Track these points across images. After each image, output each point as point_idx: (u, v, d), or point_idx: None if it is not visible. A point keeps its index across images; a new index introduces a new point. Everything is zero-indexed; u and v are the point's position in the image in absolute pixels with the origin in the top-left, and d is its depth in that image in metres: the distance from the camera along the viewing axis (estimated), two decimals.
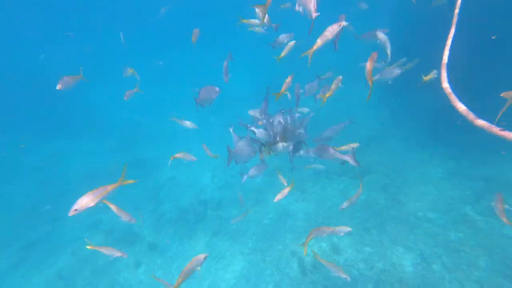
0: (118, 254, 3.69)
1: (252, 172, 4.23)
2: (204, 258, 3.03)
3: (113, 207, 3.90)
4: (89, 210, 10.44)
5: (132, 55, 24.49)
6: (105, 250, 3.74)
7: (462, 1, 1.83)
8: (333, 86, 4.45)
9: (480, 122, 1.25)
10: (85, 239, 5.69)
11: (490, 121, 1.27)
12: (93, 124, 16.11)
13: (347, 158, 3.68)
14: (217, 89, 4.30)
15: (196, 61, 22.17)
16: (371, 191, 8.64)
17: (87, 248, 4.09)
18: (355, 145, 5.46)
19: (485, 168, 8.14)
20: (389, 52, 4.88)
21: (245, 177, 4.18)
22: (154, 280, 6.82)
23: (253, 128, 4.34)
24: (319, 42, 3.20)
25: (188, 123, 6.54)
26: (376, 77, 5.47)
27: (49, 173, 12.68)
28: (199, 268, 2.98)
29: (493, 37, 6.79)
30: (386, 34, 4.90)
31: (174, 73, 22.18)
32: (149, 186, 10.82)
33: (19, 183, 12.04)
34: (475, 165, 8.44)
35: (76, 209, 2.81)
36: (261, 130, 4.26)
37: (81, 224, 9.27)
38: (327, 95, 4.42)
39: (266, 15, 4.19)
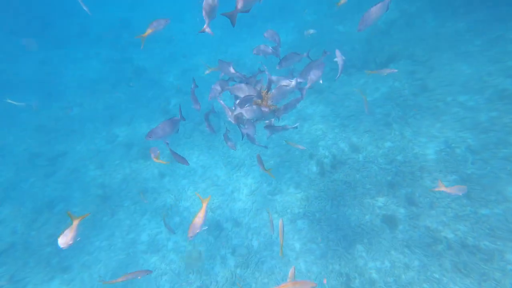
0: (142, 274, 3.32)
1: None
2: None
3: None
4: (102, 125, 10.12)
5: None
6: (130, 276, 3.36)
7: None
8: None
9: None
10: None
11: None
12: (81, 30, 14.42)
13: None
14: None
15: None
16: (394, 82, 7.58)
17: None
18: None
19: None
20: None
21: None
22: (180, 188, 7.20)
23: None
24: None
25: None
26: None
27: (49, 84, 12.28)
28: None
29: None
30: None
31: None
32: (157, 97, 10.29)
33: (23, 98, 11.91)
34: None
35: None
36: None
37: (100, 139, 9.36)
38: None
39: None
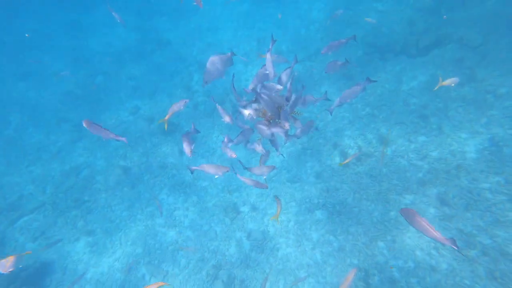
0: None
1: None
2: None
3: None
4: (126, 96, 10.04)
5: None
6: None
7: None
8: None
9: None
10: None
11: None
12: None
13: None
14: None
15: None
16: (437, 69, 6.79)
17: None
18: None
19: None
20: None
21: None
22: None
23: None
24: None
25: None
26: None
27: (76, 50, 12.42)
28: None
29: None
30: None
31: None
32: (180, 72, 10.08)
33: (52, 59, 12.09)
34: None
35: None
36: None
37: (123, 110, 9.39)
38: None
39: None
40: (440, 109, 6.17)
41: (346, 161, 4.66)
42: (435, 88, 4.81)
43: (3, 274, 5.67)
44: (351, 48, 8.39)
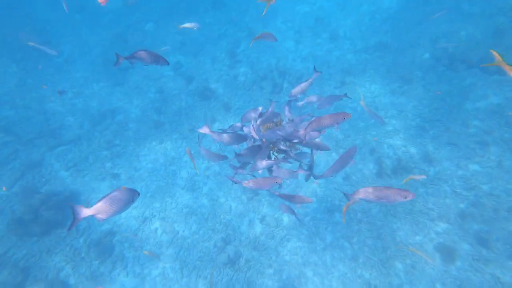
0: None
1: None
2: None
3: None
4: (172, 52, 9.67)
5: None
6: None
7: None
8: None
9: None
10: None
11: None
12: None
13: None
14: None
15: None
16: (509, 92, 5.75)
17: None
18: None
19: None
20: None
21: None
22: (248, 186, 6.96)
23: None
24: None
25: None
26: None
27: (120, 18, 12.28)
28: None
29: None
30: None
31: None
32: (228, 36, 9.61)
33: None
34: None
35: None
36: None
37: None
38: None
39: None
40: (506, 140, 5.29)
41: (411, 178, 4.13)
42: None
43: (39, 194, 6.09)
44: (418, 49, 7.34)
